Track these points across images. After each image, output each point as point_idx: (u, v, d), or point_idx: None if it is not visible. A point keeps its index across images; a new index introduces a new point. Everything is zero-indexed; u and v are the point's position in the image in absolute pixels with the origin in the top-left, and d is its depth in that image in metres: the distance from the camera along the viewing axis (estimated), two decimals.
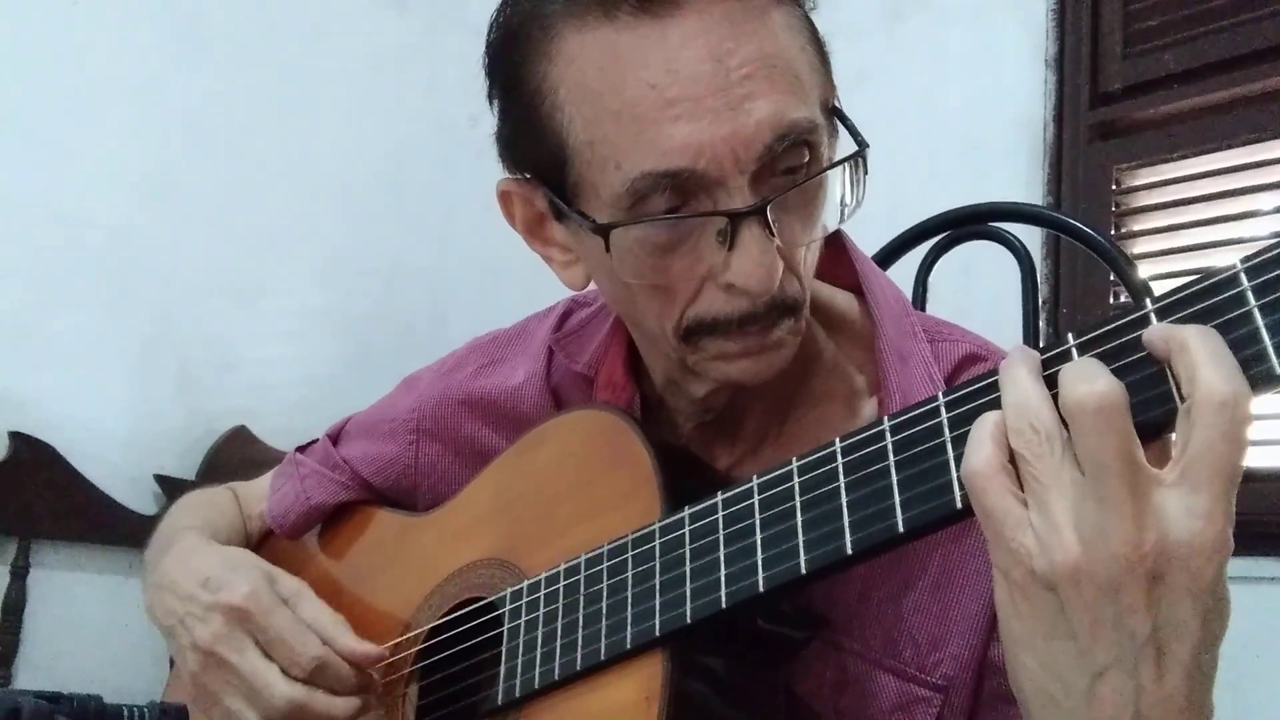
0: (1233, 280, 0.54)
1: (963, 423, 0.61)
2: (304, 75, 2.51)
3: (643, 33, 0.73)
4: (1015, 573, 0.56)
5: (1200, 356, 0.53)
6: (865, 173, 0.78)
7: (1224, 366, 0.53)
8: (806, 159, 0.76)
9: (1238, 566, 1.92)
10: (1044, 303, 2.18)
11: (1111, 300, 2.15)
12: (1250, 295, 0.53)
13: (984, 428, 0.58)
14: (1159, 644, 0.54)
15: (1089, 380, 0.54)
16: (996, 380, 0.60)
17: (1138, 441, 0.54)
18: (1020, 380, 0.58)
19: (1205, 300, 0.55)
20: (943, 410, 0.63)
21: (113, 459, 2.16)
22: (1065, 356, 0.59)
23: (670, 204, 0.75)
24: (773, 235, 0.73)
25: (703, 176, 0.73)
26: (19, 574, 2.04)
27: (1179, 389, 0.54)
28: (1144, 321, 0.57)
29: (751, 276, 0.74)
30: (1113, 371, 0.55)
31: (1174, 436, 0.55)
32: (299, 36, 2.51)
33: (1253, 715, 1.82)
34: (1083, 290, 2.18)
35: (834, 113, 0.81)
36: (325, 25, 2.56)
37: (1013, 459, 0.57)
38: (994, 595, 0.59)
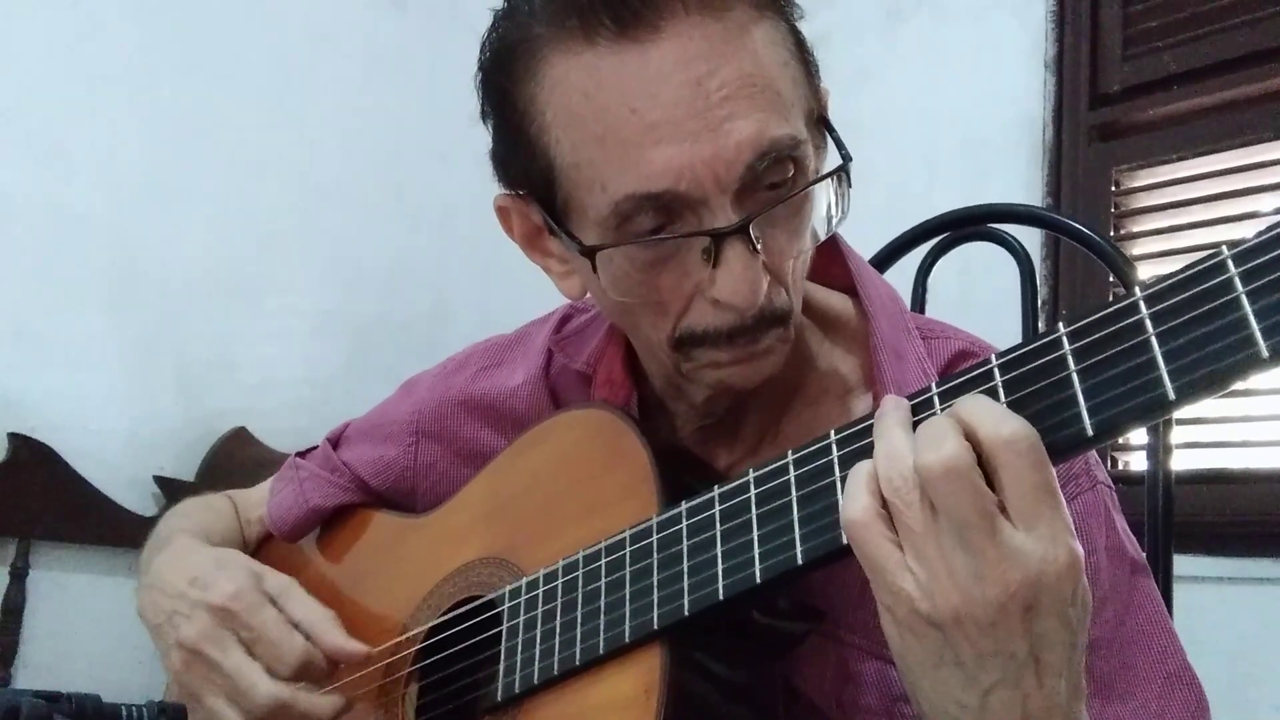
0: (1220, 267, 0.55)
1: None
2: (303, 75, 2.51)
3: (623, 57, 0.74)
4: (899, 612, 0.61)
5: (973, 417, 0.59)
6: (849, 186, 0.79)
7: (994, 414, 0.59)
8: (791, 174, 0.77)
9: (1238, 567, 1.91)
10: (1043, 304, 2.18)
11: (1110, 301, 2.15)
12: (1238, 281, 0.54)
13: (859, 478, 0.63)
14: (1036, 657, 0.60)
15: (936, 446, 0.59)
16: (991, 369, 0.62)
17: (989, 493, 0.59)
18: (890, 432, 0.62)
19: (1192, 288, 0.55)
20: (936, 401, 0.64)
21: (112, 460, 2.16)
22: (929, 404, 0.64)
23: (655, 224, 0.76)
24: (756, 252, 0.75)
25: (686, 197, 0.74)
26: (18, 575, 2.04)
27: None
28: (1129, 312, 0.57)
29: (736, 293, 0.75)
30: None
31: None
32: (298, 36, 2.51)
33: (1253, 715, 1.82)
34: (1082, 291, 2.18)
35: (821, 123, 0.82)
36: (325, 25, 2.56)
37: (888, 506, 0.61)
38: (883, 628, 0.63)
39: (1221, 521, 1.91)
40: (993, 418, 0.59)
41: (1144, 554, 1.17)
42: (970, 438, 0.59)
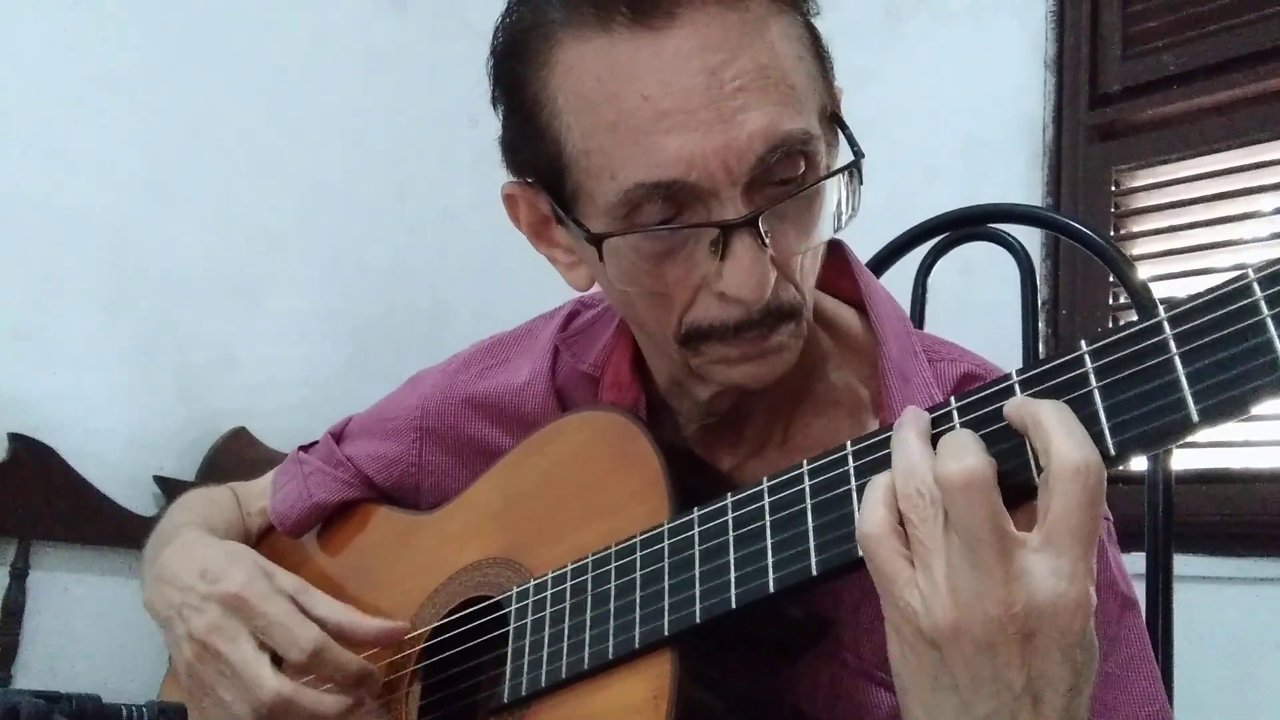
0: (1245, 290, 0.54)
1: (974, 429, 0.62)
2: (304, 75, 2.51)
3: (638, 44, 0.74)
4: (904, 629, 0.61)
5: (1053, 430, 0.58)
6: (861, 183, 0.79)
7: (1075, 438, 0.58)
8: (802, 169, 0.76)
9: (1238, 566, 1.92)
10: (1043, 304, 2.18)
11: (1111, 301, 2.15)
12: (1263, 305, 0.53)
13: (876, 491, 0.63)
14: (1034, 693, 0.59)
15: (958, 457, 0.59)
16: (1012, 385, 0.62)
17: (1005, 512, 0.58)
18: (908, 444, 0.62)
19: (1218, 310, 0.55)
20: (955, 415, 0.64)
21: (112, 460, 2.16)
22: (948, 418, 0.64)
23: (664, 214, 0.76)
24: (765, 246, 0.74)
25: (695, 187, 0.74)
26: (18, 575, 2.03)
27: (1036, 460, 0.59)
28: (1153, 332, 0.57)
29: (743, 286, 0.75)
30: (985, 436, 0.60)
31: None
32: (298, 36, 2.51)
33: (1253, 715, 1.82)
34: (1082, 291, 2.19)
35: (834, 119, 0.81)
36: (325, 25, 2.55)
37: (903, 520, 0.61)
38: (888, 648, 0.63)
39: (1221, 521, 1.91)
40: (1072, 440, 0.57)
41: (1145, 557, 1.18)
42: (1042, 451, 0.58)
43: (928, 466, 0.60)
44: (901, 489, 0.61)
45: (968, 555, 0.58)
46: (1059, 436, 0.57)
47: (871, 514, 0.62)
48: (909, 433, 0.63)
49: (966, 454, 0.59)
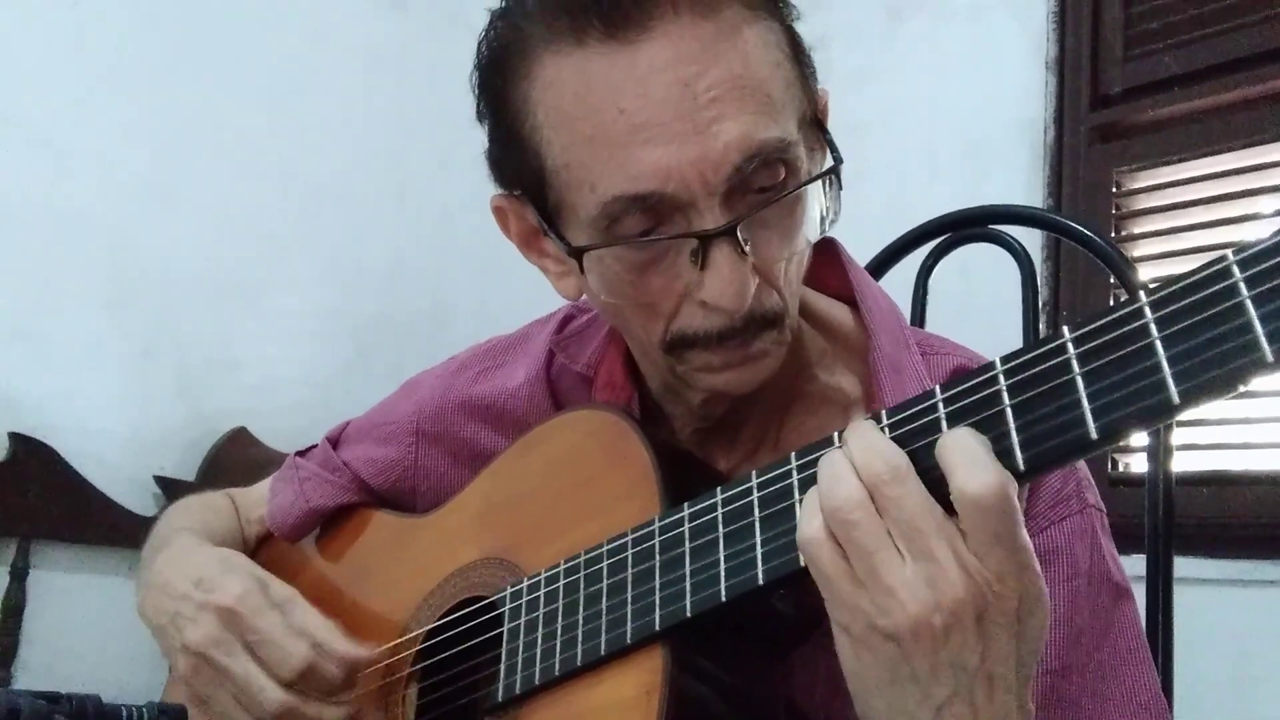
0: (1225, 273, 0.55)
1: (959, 417, 0.62)
2: (303, 75, 2.51)
3: (613, 58, 0.74)
4: (855, 628, 0.62)
5: (953, 464, 0.59)
6: (840, 188, 0.79)
7: (978, 465, 0.59)
8: (783, 175, 0.77)
9: (1238, 569, 1.91)
10: (1044, 305, 2.18)
11: (1111, 303, 2.15)
12: (1243, 286, 0.54)
13: (813, 500, 0.64)
14: (987, 671, 0.61)
15: (875, 455, 0.61)
16: (996, 374, 0.62)
17: (929, 497, 0.60)
18: (830, 461, 0.63)
19: (1198, 292, 0.55)
20: (940, 406, 0.64)
21: (112, 460, 2.16)
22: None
23: (644, 225, 0.76)
24: (745, 254, 0.75)
25: (673, 199, 0.74)
26: (19, 575, 2.04)
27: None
28: (1135, 316, 0.57)
29: (723, 295, 0.75)
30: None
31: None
32: (298, 36, 2.51)
33: (1253, 716, 1.82)
34: (1083, 293, 2.19)
35: (816, 124, 0.81)
36: (325, 25, 2.56)
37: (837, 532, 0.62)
38: (835, 648, 0.64)
39: (1222, 523, 1.91)
40: (972, 469, 0.59)
41: (1145, 559, 1.18)
42: (950, 482, 0.59)
43: (851, 472, 0.62)
44: (826, 503, 0.62)
45: (911, 548, 0.60)
46: (959, 469, 0.59)
47: (810, 520, 0.63)
48: (832, 453, 0.64)
49: (878, 451, 0.61)
